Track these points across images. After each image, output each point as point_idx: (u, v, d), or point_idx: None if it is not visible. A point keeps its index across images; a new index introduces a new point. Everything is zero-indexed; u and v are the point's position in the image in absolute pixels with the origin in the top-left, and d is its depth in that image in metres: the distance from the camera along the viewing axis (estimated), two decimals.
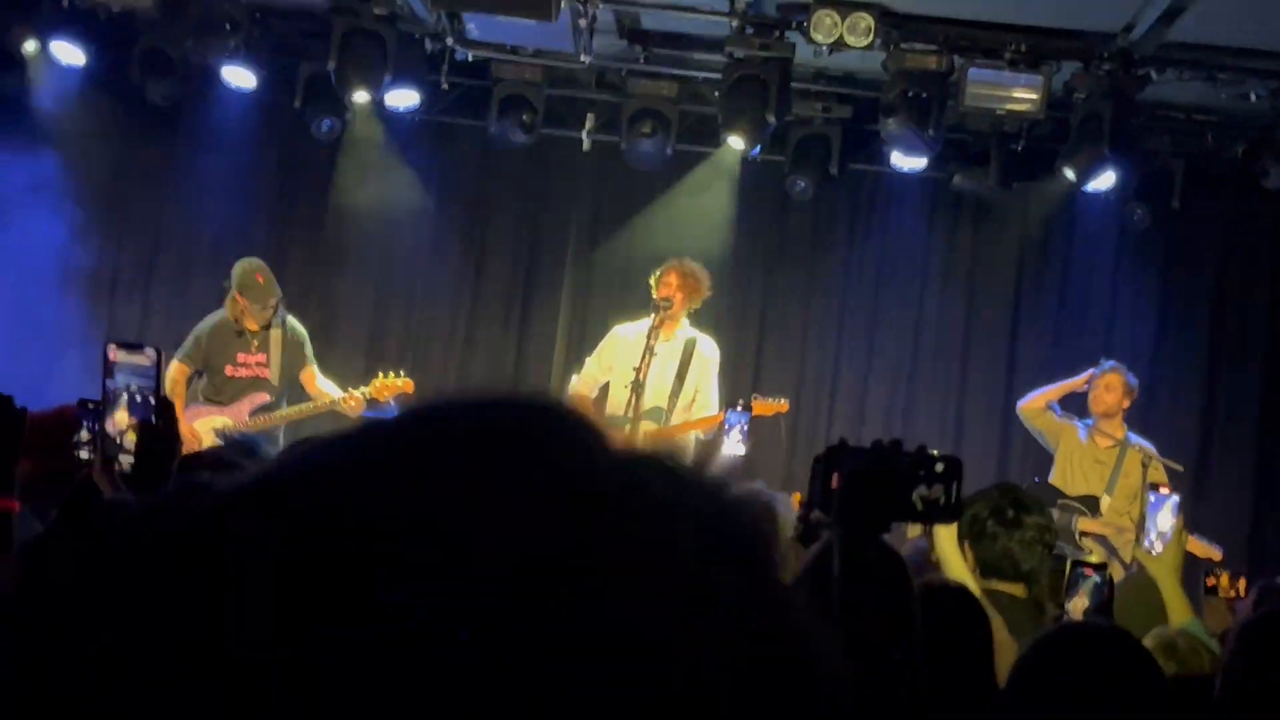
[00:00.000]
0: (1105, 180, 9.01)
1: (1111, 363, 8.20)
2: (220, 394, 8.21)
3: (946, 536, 3.38)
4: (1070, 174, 8.97)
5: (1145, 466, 7.85)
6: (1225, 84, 8.57)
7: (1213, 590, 5.08)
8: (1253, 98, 8.64)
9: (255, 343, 8.29)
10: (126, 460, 2.38)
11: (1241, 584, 5.06)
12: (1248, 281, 9.89)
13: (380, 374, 8.37)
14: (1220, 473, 9.68)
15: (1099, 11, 8.14)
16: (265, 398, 8.26)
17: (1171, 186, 9.49)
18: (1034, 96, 8.43)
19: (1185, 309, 9.90)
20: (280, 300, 8.35)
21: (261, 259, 9.49)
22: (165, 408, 2.44)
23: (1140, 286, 9.90)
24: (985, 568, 3.99)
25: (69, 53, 9.15)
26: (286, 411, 8.27)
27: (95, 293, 9.79)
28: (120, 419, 2.47)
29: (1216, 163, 9.49)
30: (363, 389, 8.21)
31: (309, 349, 8.45)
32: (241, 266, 8.34)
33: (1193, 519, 9.09)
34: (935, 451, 2.43)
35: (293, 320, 8.47)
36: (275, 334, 8.32)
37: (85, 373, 8.94)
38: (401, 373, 8.35)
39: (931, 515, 2.39)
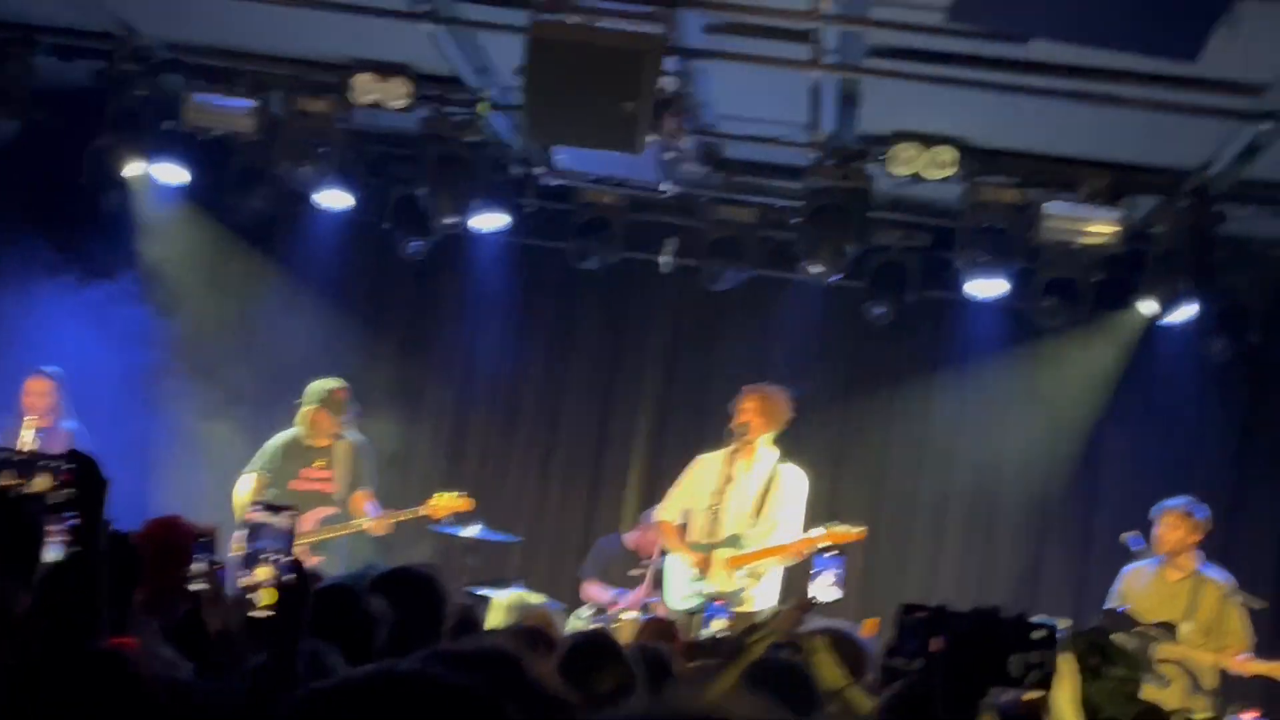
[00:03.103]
0: (1184, 313, 9.02)
1: (1170, 502, 8.08)
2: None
3: (1064, 694, 3.43)
4: (1150, 306, 9.00)
5: (1221, 603, 7.78)
6: None
7: None
8: None
9: (321, 461, 8.52)
10: (257, 614, 2.52)
11: None
12: None
13: (438, 493, 8.54)
14: None
15: (1177, 148, 8.23)
16: (331, 510, 8.46)
17: (1251, 320, 9.48)
18: (1112, 230, 8.50)
19: (1265, 443, 9.84)
20: (352, 420, 8.61)
21: (347, 373, 9.73)
22: (299, 570, 2.59)
23: (1222, 418, 9.86)
24: None
25: (172, 173, 9.45)
26: (337, 528, 8.46)
27: (185, 410, 9.99)
28: (262, 573, 2.62)
29: None
30: (413, 509, 8.38)
31: (371, 469, 8.64)
32: (323, 384, 8.61)
33: (1275, 652, 9.02)
34: (1033, 619, 2.52)
35: (362, 437, 8.69)
36: (341, 450, 8.55)
37: (172, 492, 9.15)
38: (462, 493, 8.53)
39: (1028, 682, 2.46)
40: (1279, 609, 9.10)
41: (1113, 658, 4.03)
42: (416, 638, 3.32)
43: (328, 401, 8.53)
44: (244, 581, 2.60)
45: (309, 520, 8.37)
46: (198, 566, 3.22)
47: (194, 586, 3.22)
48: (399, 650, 2.95)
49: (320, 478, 8.52)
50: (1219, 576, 7.90)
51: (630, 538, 9.41)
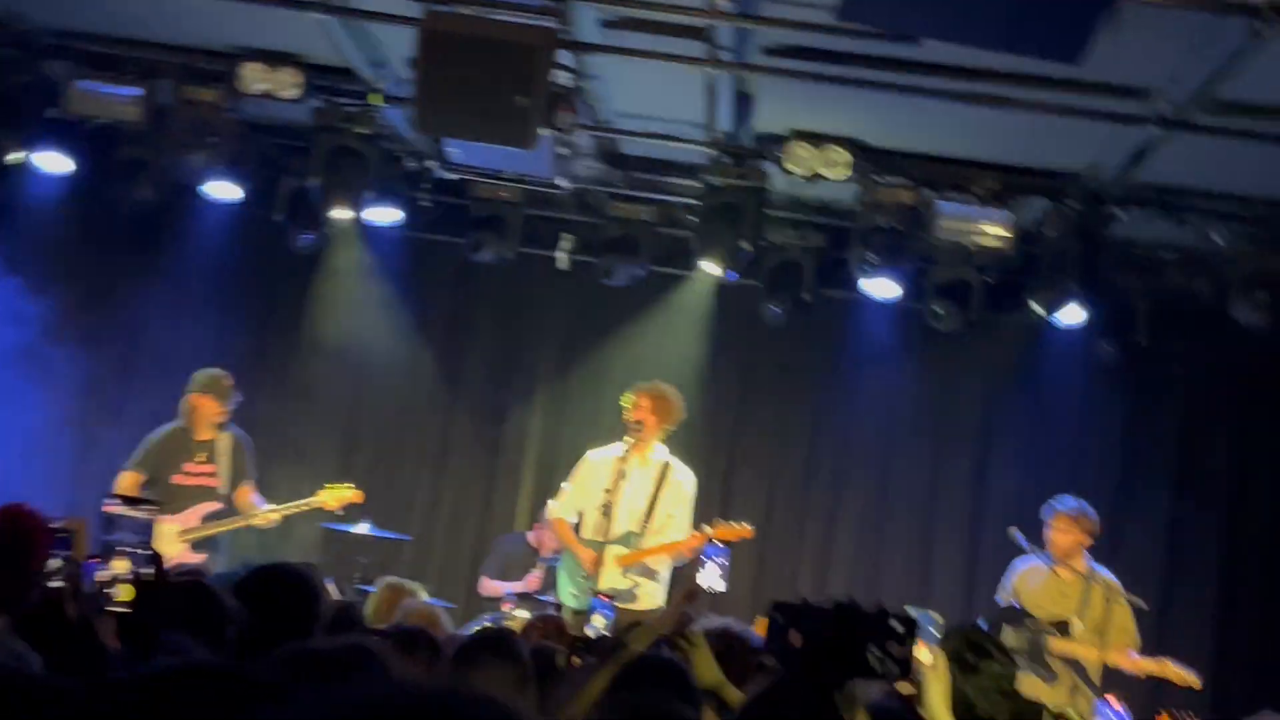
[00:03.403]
0: (1073, 315, 9.14)
1: (1060, 505, 8.15)
2: (167, 503, 8.14)
3: (937, 688, 3.42)
4: (1039, 308, 9.11)
5: (1109, 602, 7.89)
6: (1190, 224, 8.76)
7: None
8: (1216, 238, 8.82)
9: (202, 455, 8.33)
10: (113, 610, 2.45)
11: None
12: (1212, 417, 10.02)
13: (327, 484, 8.44)
14: (1182, 607, 9.73)
15: (1067, 152, 8.34)
16: (217, 506, 8.29)
17: (1138, 323, 9.64)
18: (1004, 232, 8.59)
19: (1151, 443, 10.01)
20: (231, 414, 8.44)
21: (237, 366, 9.54)
22: (158, 564, 2.51)
23: (1107, 420, 10.02)
24: None
25: (55, 162, 9.24)
26: (223, 523, 8.29)
27: (69, 401, 9.79)
28: (119, 565, 2.54)
29: (1183, 300, 9.66)
30: (309, 500, 8.27)
31: (251, 463, 8.50)
32: (208, 372, 8.44)
33: (1159, 650, 9.16)
34: (892, 609, 2.50)
35: (240, 430, 8.53)
36: (223, 444, 8.38)
37: (49, 481, 8.96)
38: (351, 485, 8.43)
39: (885, 673, 2.45)
40: (1161, 605, 9.27)
41: (988, 653, 4.04)
42: (285, 634, 3.24)
43: (211, 390, 8.33)
44: (101, 575, 2.52)
45: (194, 516, 8.21)
46: (54, 563, 3.14)
47: (52, 584, 3.14)
48: (261, 647, 2.87)
49: (204, 472, 8.34)
50: (1109, 577, 8.00)
51: (532, 536, 9.40)
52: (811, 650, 2.38)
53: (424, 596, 6.54)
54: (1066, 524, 8.00)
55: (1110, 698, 4.05)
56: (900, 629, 2.46)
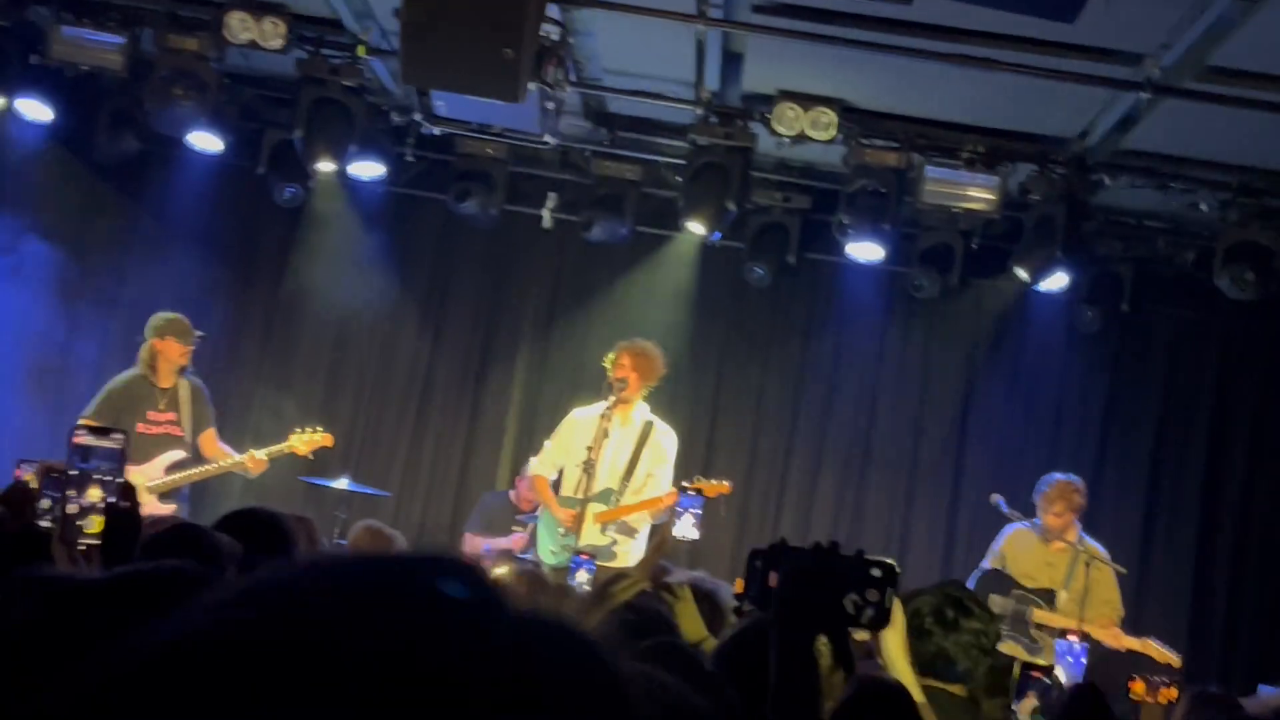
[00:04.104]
0: (1057, 281, 9.14)
1: (1058, 475, 8.14)
2: (134, 451, 8.02)
3: (894, 637, 3.40)
4: (1023, 274, 9.10)
5: (1087, 566, 7.90)
6: (1176, 193, 8.76)
7: (1133, 693, 5.15)
8: (1203, 207, 8.82)
9: (163, 402, 8.20)
10: (85, 543, 2.39)
11: (1165, 693, 5.12)
12: (1193, 385, 10.04)
13: (298, 429, 8.34)
14: (1161, 574, 9.77)
15: (1055, 116, 8.32)
16: (181, 454, 8.17)
17: (1122, 290, 9.66)
18: (990, 196, 8.58)
19: (1132, 409, 10.03)
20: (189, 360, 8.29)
21: (219, 321, 9.47)
22: (129, 491, 2.46)
23: (1089, 386, 10.04)
24: (922, 665, 4.01)
25: (36, 110, 9.15)
26: (201, 470, 8.20)
27: (49, 351, 9.72)
28: (93, 494, 2.50)
29: (1167, 268, 9.68)
30: (281, 445, 8.19)
31: (211, 409, 8.38)
32: (162, 315, 8.24)
33: (1137, 622, 9.20)
34: (872, 556, 2.47)
35: (196, 378, 8.39)
36: (184, 392, 8.23)
37: (31, 432, 8.90)
38: (319, 429, 8.32)
39: (862, 621, 2.42)
40: (1140, 572, 9.30)
41: (970, 611, 4.04)
42: None
43: (170, 334, 8.13)
44: (73, 508, 2.47)
45: (158, 466, 8.09)
46: (44, 504, 3.11)
47: (43, 524, 3.11)
48: None
49: (168, 420, 8.20)
50: (1096, 546, 8.01)
51: (514, 492, 9.39)
52: (791, 590, 2.35)
53: (402, 545, 6.50)
54: (1066, 491, 7.99)
55: (1071, 636, 4.04)
56: (879, 574, 2.43)
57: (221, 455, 8.23)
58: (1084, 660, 4.25)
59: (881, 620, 2.40)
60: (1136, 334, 9.94)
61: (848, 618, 2.38)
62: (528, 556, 8.45)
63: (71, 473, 2.42)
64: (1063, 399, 10.02)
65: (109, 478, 2.49)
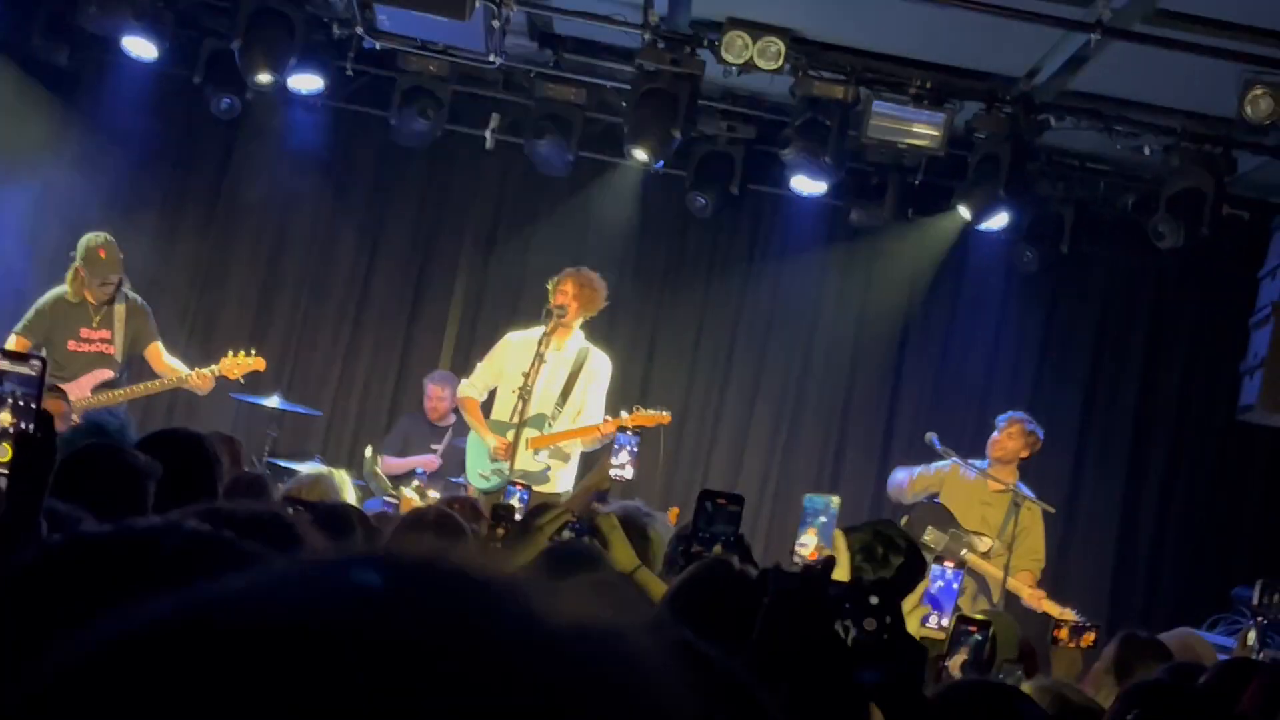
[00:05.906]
0: (998, 220, 9.15)
1: (1016, 413, 8.25)
2: (62, 370, 7.86)
3: (839, 575, 3.40)
4: (965, 212, 9.10)
5: (1018, 506, 7.96)
6: (1120, 136, 8.76)
7: (1059, 641, 5.23)
8: (1146, 151, 8.84)
9: (97, 318, 8.04)
10: None
11: (1086, 638, 5.20)
12: (1126, 329, 10.11)
13: (230, 351, 8.20)
14: (1088, 516, 9.88)
15: (1004, 55, 8.28)
16: (108, 374, 8.01)
17: (1061, 231, 9.68)
18: (935, 133, 8.54)
19: (1065, 351, 10.10)
20: (123, 279, 8.09)
21: (151, 234, 9.27)
22: (45, 421, 2.36)
23: (1025, 326, 10.09)
24: None
25: None
26: (134, 388, 8.06)
27: None
28: (3, 418, 2.40)
29: (1107, 211, 9.71)
30: (213, 367, 8.05)
31: (154, 325, 8.21)
32: (86, 239, 7.99)
33: (1063, 561, 9.30)
34: (865, 584, 2.33)
35: (136, 296, 8.22)
36: (119, 310, 8.04)
37: None
38: (253, 351, 8.18)
39: (862, 653, 2.23)
40: (1068, 512, 9.40)
41: (898, 548, 4.05)
42: (186, 499, 3.14)
43: (88, 258, 7.93)
44: None
45: (87, 383, 7.94)
46: None
47: None
48: (168, 509, 2.77)
49: (100, 338, 8.04)
50: (1028, 493, 8.07)
51: (427, 401, 9.30)
52: (773, 618, 2.18)
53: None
54: (1018, 430, 8.09)
55: (947, 562, 4.03)
56: (875, 602, 2.28)
57: (170, 371, 8.07)
58: (955, 586, 4.25)
59: (876, 645, 2.21)
60: (1074, 275, 9.98)
61: (839, 646, 2.23)
62: (459, 480, 8.41)
63: None
64: (999, 338, 10.07)
65: (21, 403, 2.39)
